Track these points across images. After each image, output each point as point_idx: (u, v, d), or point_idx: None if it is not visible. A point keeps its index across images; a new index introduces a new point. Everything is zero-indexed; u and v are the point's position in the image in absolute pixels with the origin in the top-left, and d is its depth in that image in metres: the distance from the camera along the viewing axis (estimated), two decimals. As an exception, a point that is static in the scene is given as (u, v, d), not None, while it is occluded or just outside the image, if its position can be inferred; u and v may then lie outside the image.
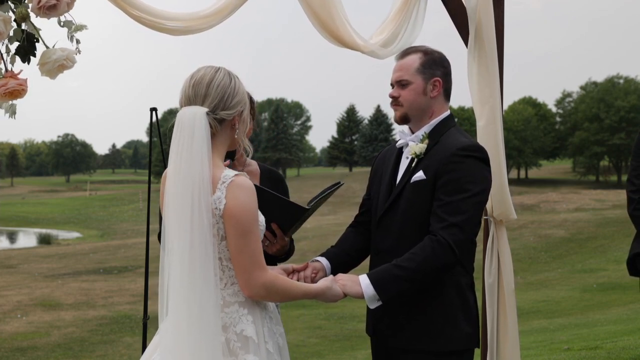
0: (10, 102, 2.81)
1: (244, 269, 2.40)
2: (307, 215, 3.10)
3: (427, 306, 2.81)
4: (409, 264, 2.67)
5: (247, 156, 3.21)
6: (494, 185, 3.65)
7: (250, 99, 3.30)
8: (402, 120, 2.97)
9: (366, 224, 3.13)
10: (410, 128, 3.00)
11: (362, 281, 2.67)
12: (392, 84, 2.99)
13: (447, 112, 2.98)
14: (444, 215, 2.72)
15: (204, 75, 2.47)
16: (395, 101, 2.97)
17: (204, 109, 2.41)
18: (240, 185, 2.39)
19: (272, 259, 3.33)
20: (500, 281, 3.77)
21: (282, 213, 3.02)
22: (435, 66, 2.94)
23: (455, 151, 2.78)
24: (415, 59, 2.94)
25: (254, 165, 3.49)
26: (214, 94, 2.44)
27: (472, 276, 2.96)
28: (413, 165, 2.89)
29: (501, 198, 3.74)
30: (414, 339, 2.82)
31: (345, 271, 3.00)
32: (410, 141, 2.95)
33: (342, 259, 3.02)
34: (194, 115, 2.39)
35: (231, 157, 3.32)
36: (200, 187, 2.34)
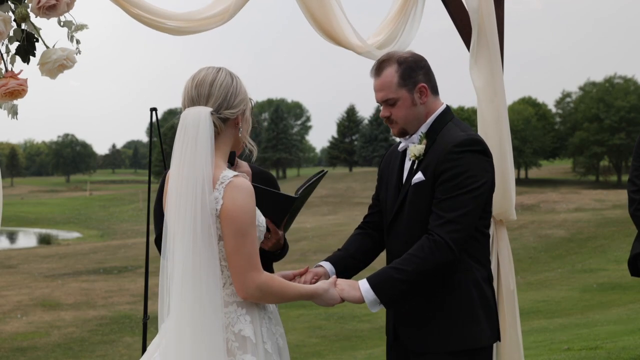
0: (11, 102, 2.80)
1: (239, 270, 2.39)
2: (297, 205, 3.09)
3: (449, 306, 2.78)
4: (406, 266, 2.65)
5: (252, 156, 3.21)
6: (499, 184, 3.61)
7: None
8: (401, 134, 2.92)
9: (375, 224, 3.09)
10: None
11: (361, 286, 2.66)
12: (378, 102, 2.91)
13: (442, 107, 2.91)
14: (440, 212, 2.69)
15: (206, 75, 2.47)
16: (389, 120, 2.90)
17: (209, 109, 2.42)
18: (238, 187, 2.39)
19: (267, 258, 3.32)
20: (499, 281, 3.77)
21: (272, 206, 3.00)
22: (414, 72, 2.84)
23: (450, 148, 2.74)
24: (392, 74, 2.83)
25: (244, 166, 3.46)
26: (217, 94, 2.44)
27: (489, 269, 2.91)
28: (414, 167, 2.87)
29: (505, 198, 3.73)
30: (439, 341, 2.78)
31: (353, 274, 2.96)
32: (410, 143, 2.91)
33: (347, 263, 2.98)
34: (198, 115, 2.39)
35: (231, 162, 3.31)
36: (204, 187, 2.35)
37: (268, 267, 3.24)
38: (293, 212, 3.13)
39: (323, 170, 3.20)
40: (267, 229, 3.03)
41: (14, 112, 2.86)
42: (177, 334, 2.34)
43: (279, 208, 3.03)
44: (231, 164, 3.30)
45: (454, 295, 2.78)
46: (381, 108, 2.92)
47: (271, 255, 3.27)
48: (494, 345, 3.76)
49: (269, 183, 3.45)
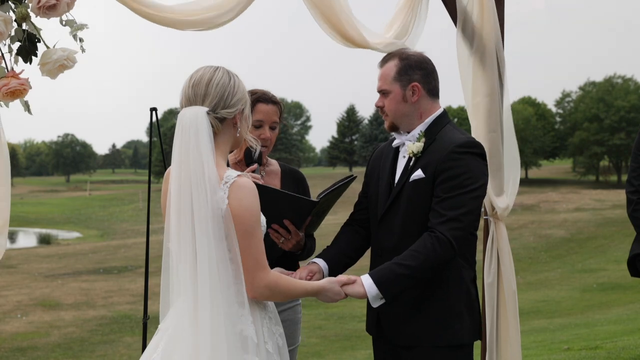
0: (24, 99, 2.79)
1: (247, 270, 2.39)
2: (321, 208, 3.10)
3: (432, 302, 2.84)
4: (411, 262, 2.69)
5: (255, 154, 3.20)
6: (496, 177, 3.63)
7: (278, 103, 3.30)
8: (392, 128, 3.02)
9: (362, 221, 3.14)
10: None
11: (364, 281, 2.68)
12: (377, 92, 3.03)
13: (440, 110, 2.99)
14: (442, 210, 2.75)
15: (202, 75, 2.47)
16: (382, 110, 3.02)
17: (205, 109, 2.41)
18: (243, 186, 2.38)
19: (293, 258, 3.32)
20: (500, 281, 3.76)
21: (291, 208, 3.03)
22: (412, 71, 2.94)
23: (453, 148, 2.81)
24: (392, 67, 2.96)
25: (275, 165, 3.48)
26: (213, 93, 2.44)
27: (474, 269, 2.98)
28: (411, 164, 2.91)
29: (510, 190, 3.73)
30: (420, 335, 2.84)
31: (343, 271, 3.00)
32: (406, 141, 2.97)
33: (339, 259, 3.03)
34: (195, 115, 2.39)
35: (258, 162, 3.31)
36: (206, 187, 2.34)
37: (293, 267, 3.24)
38: (318, 215, 3.15)
39: (352, 175, 3.20)
40: (288, 230, 3.05)
41: (27, 107, 2.85)
42: (180, 335, 2.34)
43: (299, 211, 3.04)
44: (259, 163, 3.30)
45: (442, 292, 2.84)
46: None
47: (294, 255, 3.27)
48: (494, 345, 3.78)
49: (299, 181, 3.47)
